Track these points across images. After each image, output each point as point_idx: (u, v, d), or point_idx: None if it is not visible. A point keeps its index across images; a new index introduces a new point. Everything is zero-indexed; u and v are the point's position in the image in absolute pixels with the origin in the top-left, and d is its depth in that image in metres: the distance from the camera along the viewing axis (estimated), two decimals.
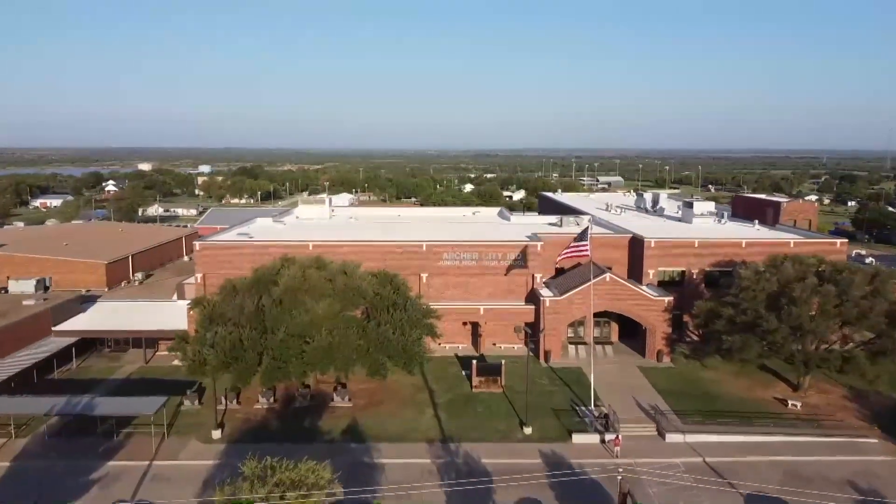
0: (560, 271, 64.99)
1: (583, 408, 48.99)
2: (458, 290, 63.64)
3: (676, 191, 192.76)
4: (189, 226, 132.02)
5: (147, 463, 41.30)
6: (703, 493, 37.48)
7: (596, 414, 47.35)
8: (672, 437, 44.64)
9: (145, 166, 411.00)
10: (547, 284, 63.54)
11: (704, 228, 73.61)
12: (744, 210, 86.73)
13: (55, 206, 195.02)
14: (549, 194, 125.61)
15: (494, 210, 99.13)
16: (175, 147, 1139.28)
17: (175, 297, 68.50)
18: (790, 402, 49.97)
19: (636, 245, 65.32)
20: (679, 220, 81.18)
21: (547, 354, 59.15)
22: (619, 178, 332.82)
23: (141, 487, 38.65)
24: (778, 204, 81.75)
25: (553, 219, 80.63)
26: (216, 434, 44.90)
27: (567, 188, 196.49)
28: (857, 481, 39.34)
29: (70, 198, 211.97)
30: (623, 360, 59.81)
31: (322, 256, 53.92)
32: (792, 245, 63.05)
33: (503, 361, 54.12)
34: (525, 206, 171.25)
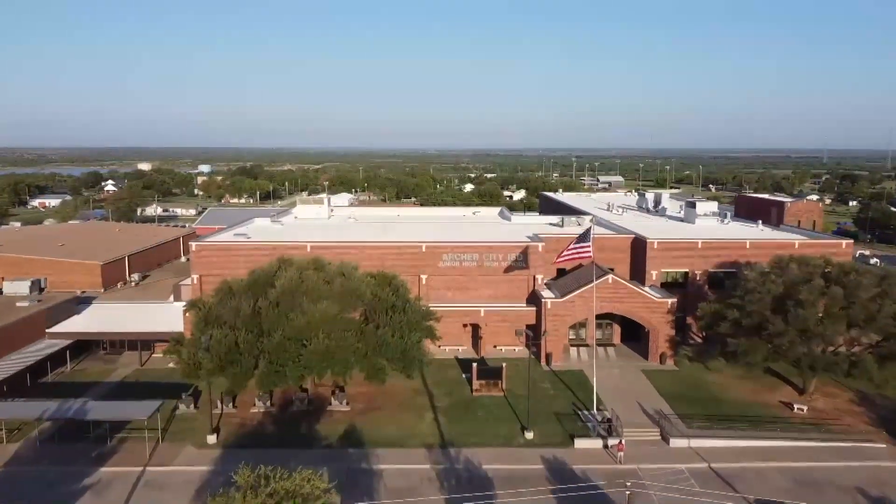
0: (561, 272, 64.15)
1: (585, 412, 48.14)
2: (458, 292, 62.80)
3: (677, 190, 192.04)
4: (187, 226, 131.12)
5: (140, 469, 40.49)
6: (710, 501, 36.60)
7: (599, 418, 46.50)
8: (676, 442, 43.80)
9: (145, 166, 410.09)
10: (548, 286, 62.69)
11: (707, 229, 72.79)
12: (747, 210, 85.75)
13: (53, 206, 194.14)
14: (550, 194, 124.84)
15: (495, 210, 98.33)
16: (175, 147, 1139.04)
17: (171, 298, 67.62)
18: (796, 406, 49.12)
19: (639, 246, 64.48)
20: (682, 220, 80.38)
21: (548, 357, 58.30)
22: (620, 178, 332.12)
23: (134, 494, 37.83)
24: (782, 204, 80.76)
25: (554, 219, 79.85)
26: (212, 439, 44.06)
27: (567, 188, 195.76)
28: (866, 488, 38.49)
29: (69, 197, 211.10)
30: (626, 363, 58.97)
31: (320, 257, 53.09)
32: (797, 246, 62.23)
33: (504, 364, 53.25)
34: (525, 206, 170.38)
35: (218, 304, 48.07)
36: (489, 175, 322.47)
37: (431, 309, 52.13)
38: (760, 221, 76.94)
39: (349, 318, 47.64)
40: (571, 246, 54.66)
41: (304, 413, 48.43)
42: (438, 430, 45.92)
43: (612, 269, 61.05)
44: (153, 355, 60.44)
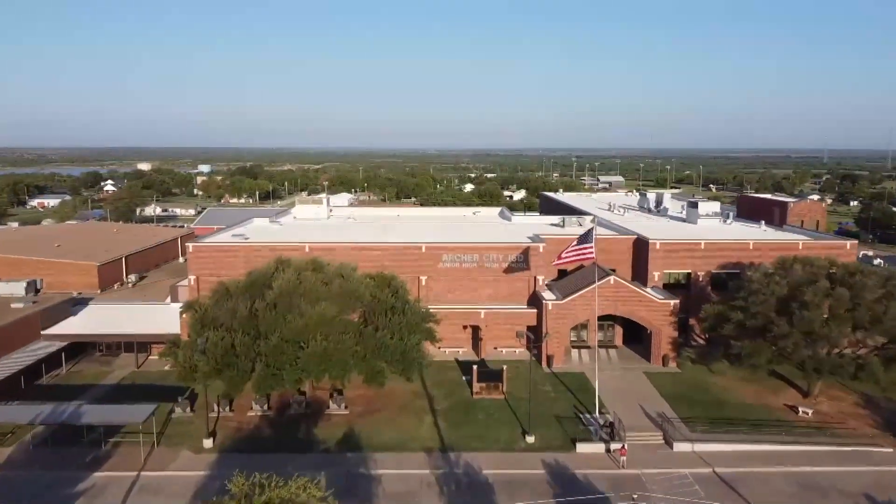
0: (562, 273, 63.48)
1: (587, 415, 47.46)
2: (458, 293, 62.13)
3: (678, 190, 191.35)
4: (186, 226, 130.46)
5: (135, 474, 39.82)
6: None
7: (601, 422, 45.83)
8: (680, 446, 43.12)
9: (144, 166, 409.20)
10: (549, 287, 62.03)
11: (710, 229, 72.09)
12: (749, 210, 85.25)
13: (52, 206, 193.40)
14: (551, 194, 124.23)
15: (495, 210, 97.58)
16: (175, 147, 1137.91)
17: (169, 299, 66.98)
18: (801, 410, 48.45)
19: (641, 246, 63.81)
20: (684, 220, 79.70)
21: (549, 359, 57.64)
22: (620, 178, 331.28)
23: (128, 500, 37.20)
24: (785, 204, 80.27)
25: (555, 219, 79.20)
26: (208, 443, 43.39)
27: (568, 188, 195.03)
28: (872, 493, 37.82)
29: (68, 198, 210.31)
30: (628, 365, 58.29)
31: (319, 258, 52.49)
32: (801, 247, 61.57)
33: (504, 367, 52.56)
34: (526, 206, 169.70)
35: (214, 305, 47.43)
36: (489, 175, 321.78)
37: (431, 310, 51.51)
38: (763, 222, 76.36)
39: (348, 319, 46.99)
40: (573, 247, 54.01)
41: (302, 416, 47.76)
42: (438, 433, 45.26)
43: (613, 270, 60.38)
44: (150, 357, 59.75)
